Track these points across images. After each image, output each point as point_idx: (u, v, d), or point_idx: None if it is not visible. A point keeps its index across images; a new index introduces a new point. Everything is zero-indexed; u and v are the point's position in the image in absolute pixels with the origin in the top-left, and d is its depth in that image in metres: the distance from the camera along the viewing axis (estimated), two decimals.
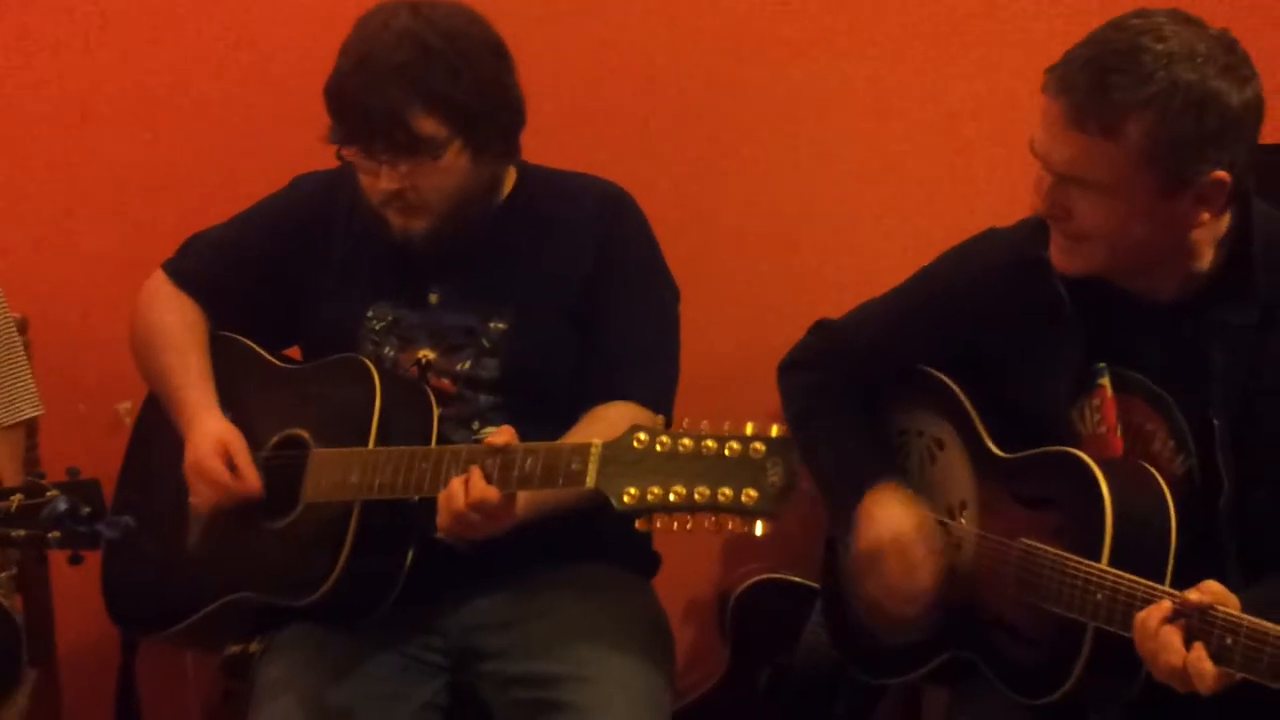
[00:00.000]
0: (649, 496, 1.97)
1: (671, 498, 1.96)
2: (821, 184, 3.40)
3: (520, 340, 2.52)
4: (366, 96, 2.35)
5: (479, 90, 2.41)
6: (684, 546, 2.82)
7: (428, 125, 2.37)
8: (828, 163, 3.39)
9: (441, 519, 2.23)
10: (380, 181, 2.41)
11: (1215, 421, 2.15)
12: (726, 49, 3.37)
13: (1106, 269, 2.17)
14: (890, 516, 2.32)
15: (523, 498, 2.24)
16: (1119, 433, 2.24)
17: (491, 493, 2.18)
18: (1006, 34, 3.37)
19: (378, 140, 2.38)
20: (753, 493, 1.93)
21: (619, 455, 2.01)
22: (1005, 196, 3.34)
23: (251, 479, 2.49)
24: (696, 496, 1.95)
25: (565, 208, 2.59)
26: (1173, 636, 1.94)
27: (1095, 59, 2.05)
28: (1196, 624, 1.94)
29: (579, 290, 2.53)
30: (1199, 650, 1.92)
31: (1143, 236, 2.10)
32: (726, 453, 1.94)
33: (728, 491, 1.94)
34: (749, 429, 1.96)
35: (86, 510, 2.33)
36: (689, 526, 1.98)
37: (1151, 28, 2.05)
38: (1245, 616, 1.90)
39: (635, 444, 1.99)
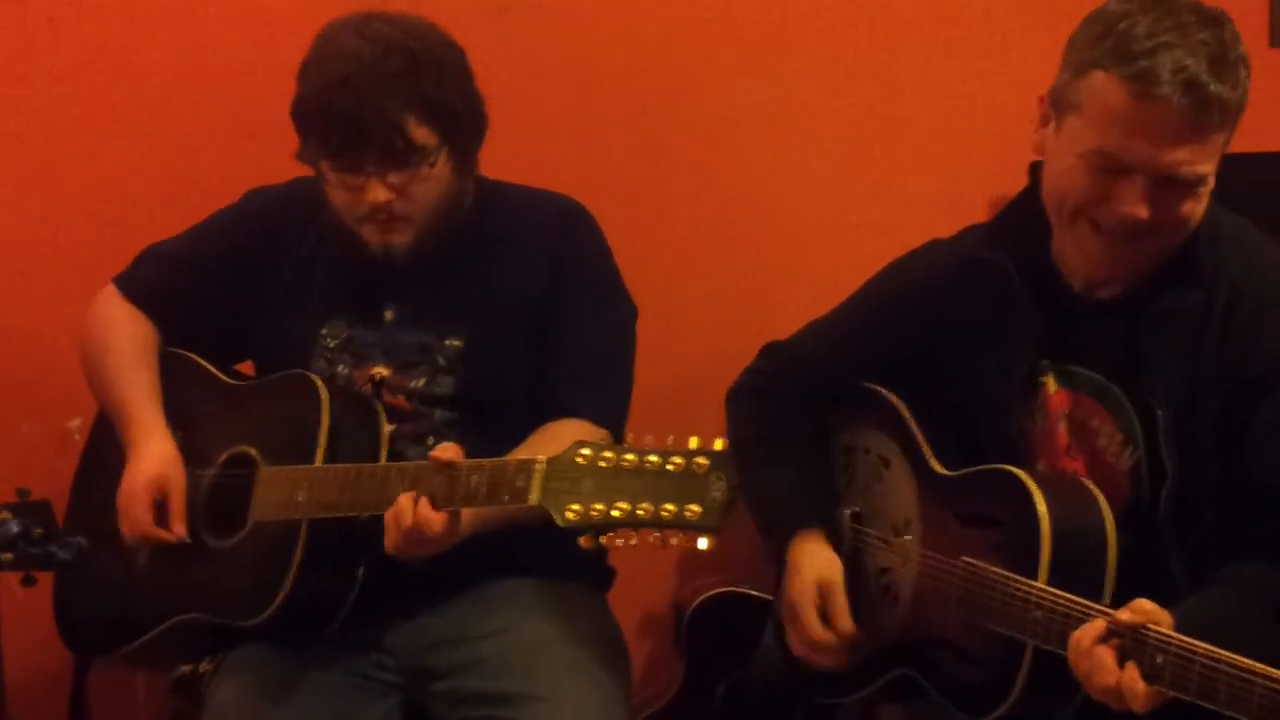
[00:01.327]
0: (592, 513, 1.97)
1: (615, 514, 1.95)
2: (776, 196, 3.41)
3: (476, 358, 2.51)
4: (360, 108, 2.33)
5: (460, 94, 2.42)
6: (639, 560, 2.81)
7: (422, 133, 2.36)
8: (783, 174, 3.41)
9: (390, 537, 2.22)
10: (367, 195, 2.38)
11: (1158, 411, 2.14)
12: (680, 62, 3.38)
13: (1150, 263, 2.16)
14: (801, 579, 2.34)
15: (468, 514, 2.23)
16: (1063, 429, 2.24)
17: (436, 518, 2.19)
18: (958, 43, 3.38)
19: (371, 152, 2.35)
20: (696, 508, 1.93)
21: (562, 472, 2.00)
22: (959, 207, 3.34)
23: (177, 530, 2.48)
24: (640, 513, 1.94)
25: (522, 224, 2.57)
26: (1105, 656, 1.94)
27: (1188, 49, 2.01)
28: (1129, 643, 1.93)
29: (534, 307, 2.52)
30: (1131, 670, 1.92)
31: (1201, 217, 2.12)
32: (670, 468, 1.94)
33: (671, 507, 1.93)
34: (693, 443, 1.95)
35: (39, 531, 2.33)
36: (633, 542, 1.97)
37: (1179, 6, 2.05)
38: (1176, 636, 1.89)
39: (579, 460, 1.99)
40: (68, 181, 3.29)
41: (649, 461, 1.95)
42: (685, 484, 1.93)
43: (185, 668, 2.63)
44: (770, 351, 2.58)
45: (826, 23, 3.37)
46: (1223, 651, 1.84)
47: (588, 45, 3.37)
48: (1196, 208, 2.10)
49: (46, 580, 2.62)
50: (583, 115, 3.37)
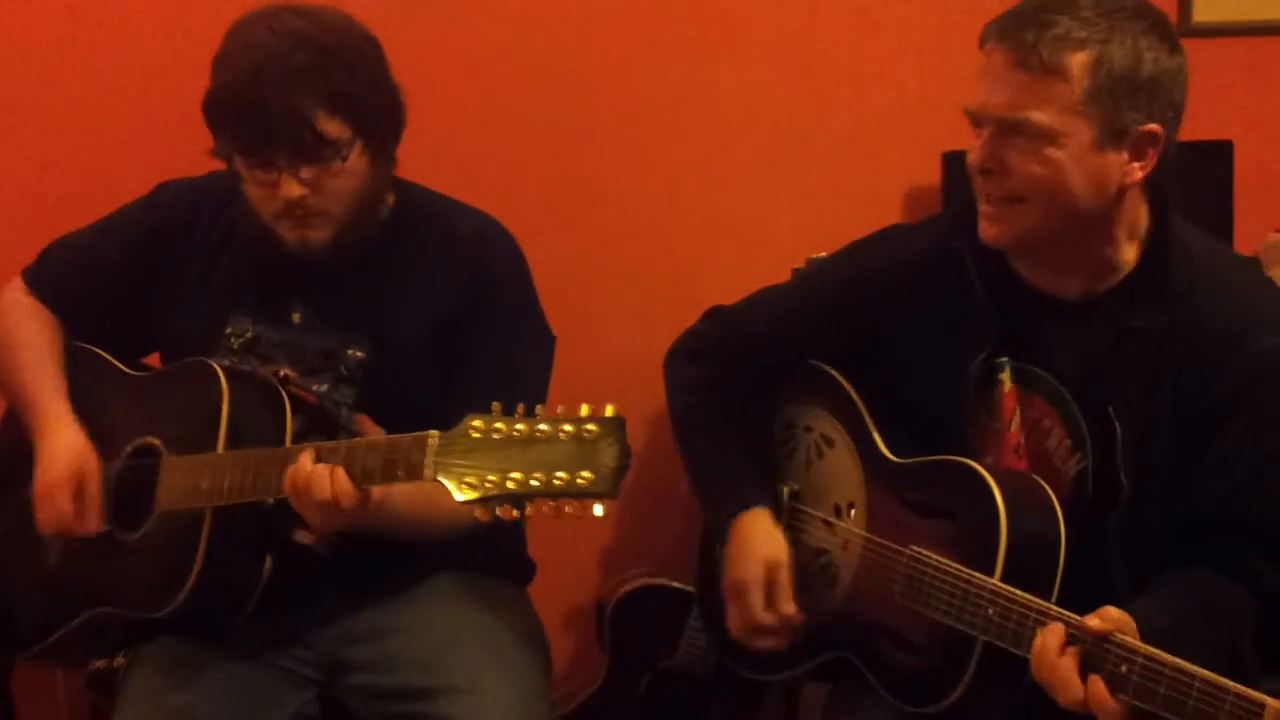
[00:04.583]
0: (487, 485, 1.95)
1: (509, 485, 1.93)
2: (696, 182, 3.43)
3: (377, 372, 2.48)
4: (269, 103, 2.29)
5: (374, 86, 2.39)
6: (561, 554, 2.82)
7: (332, 126, 2.33)
8: (704, 166, 3.43)
9: (305, 511, 2.21)
10: (280, 191, 2.35)
11: (1117, 426, 2.13)
12: (604, 54, 3.40)
13: (1035, 235, 2.15)
14: (749, 559, 2.33)
15: (378, 493, 2.21)
16: (1014, 428, 2.23)
17: (352, 492, 2.16)
18: (877, 37, 3.40)
19: (282, 147, 2.32)
20: (588, 475, 1.91)
21: (455, 445, 1.99)
22: (876, 199, 3.37)
23: (91, 521, 2.46)
24: (533, 482, 1.92)
25: (439, 239, 2.53)
26: (1070, 668, 1.93)
27: (1037, 7, 2.08)
28: (1092, 651, 1.92)
29: (441, 330, 2.49)
30: (1099, 684, 1.90)
31: (1078, 191, 2.09)
32: (561, 436, 1.92)
33: (563, 475, 1.92)
34: (583, 410, 1.94)
35: None
36: (528, 513, 1.96)
37: None
38: (1143, 646, 1.89)
39: (471, 433, 1.97)
40: None
41: (540, 431, 1.93)
42: (576, 451, 1.92)
43: (100, 663, 2.60)
44: (714, 316, 2.56)
45: (747, 15, 3.39)
46: (1192, 665, 1.83)
47: (510, 38, 3.38)
48: (1046, 168, 2.08)
49: None
50: (504, 108, 3.38)
